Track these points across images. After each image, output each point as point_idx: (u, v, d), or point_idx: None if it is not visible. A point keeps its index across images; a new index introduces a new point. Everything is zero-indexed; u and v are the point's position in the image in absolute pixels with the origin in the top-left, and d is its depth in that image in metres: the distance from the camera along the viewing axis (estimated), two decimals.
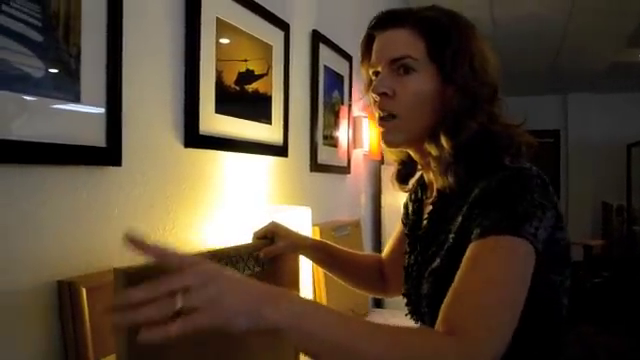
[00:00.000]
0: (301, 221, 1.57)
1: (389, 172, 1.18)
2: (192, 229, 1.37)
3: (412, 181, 1.13)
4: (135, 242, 0.63)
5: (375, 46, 0.98)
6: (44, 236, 0.96)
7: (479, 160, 0.90)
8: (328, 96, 2.28)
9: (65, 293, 0.96)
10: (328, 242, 1.30)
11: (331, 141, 2.36)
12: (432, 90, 0.93)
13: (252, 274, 1.07)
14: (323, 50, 2.18)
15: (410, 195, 1.16)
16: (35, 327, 0.94)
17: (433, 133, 0.93)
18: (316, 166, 2.17)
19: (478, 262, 0.80)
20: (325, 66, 2.22)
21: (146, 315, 0.59)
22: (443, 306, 0.78)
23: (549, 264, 0.87)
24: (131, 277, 0.75)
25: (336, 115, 2.40)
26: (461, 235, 0.87)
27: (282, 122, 1.82)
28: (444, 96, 0.92)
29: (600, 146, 7.63)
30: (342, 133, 2.47)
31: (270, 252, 1.13)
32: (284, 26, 1.80)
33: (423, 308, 0.96)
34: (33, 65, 0.89)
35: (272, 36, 1.73)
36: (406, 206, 1.20)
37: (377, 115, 0.98)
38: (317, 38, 2.13)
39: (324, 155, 2.25)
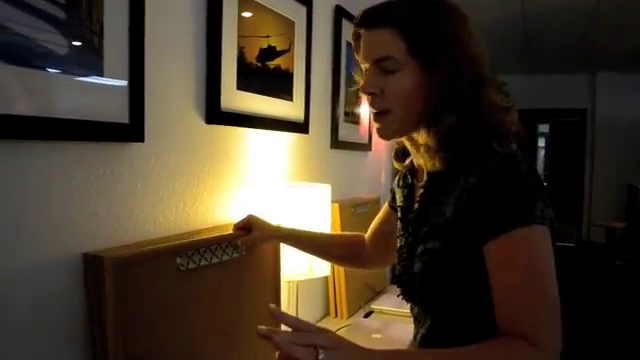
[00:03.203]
0: (321, 198, 1.58)
1: None
2: (213, 205, 1.39)
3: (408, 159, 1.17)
4: (276, 314, 0.82)
5: (361, 43, 1.01)
6: (71, 210, 0.98)
7: (467, 144, 0.94)
8: (350, 72, 2.26)
9: (90, 265, 0.99)
10: (298, 230, 1.41)
11: (352, 118, 2.36)
12: (416, 84, 0.95)
13: (230, 259, 1.28)
14: (346, 26, 2.16)
15: (398, 181, 1.21)
16: (62, 297, 0.97)
17: (420, 123, 0.98)
18: (337, 143, 2.17)
19: (516, 260, 0.85)
20: (347, 42, 2.20)
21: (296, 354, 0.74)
22: (501, 313, 0.85)
23: None
24: (120, 264, 0.97)
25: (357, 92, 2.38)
26: (457, 221, 0.91)
27: (303, 98, 1.82)
28: (428, 87, 0.95)
29: (628, 127, 7.47)
30: (363, 110, 2.46)
31: (245, 241, 1.30)
32: (307, 1, 1.79)
33: (415, 286, 1.01)
34: (57, 42, 0.90)
35: (294, 12, 1.72)
36: (393, 191, 1.26)
37: (371, 111, 1.03)
38: (340, 14, 2.11)
39: (345, 132, 2.25)
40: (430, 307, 1.01)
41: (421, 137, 0.99)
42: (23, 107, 0.85)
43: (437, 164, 0.96)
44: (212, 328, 1.22)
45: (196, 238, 1.22)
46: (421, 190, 1.04)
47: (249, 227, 1.33)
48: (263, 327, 0.76)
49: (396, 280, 1.08)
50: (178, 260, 1.12)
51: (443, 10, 0.96)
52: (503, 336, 0.84)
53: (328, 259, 1.48)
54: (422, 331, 1.03)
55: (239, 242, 1.29)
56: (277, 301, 1.50)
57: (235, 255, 1.30)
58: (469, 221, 0.89)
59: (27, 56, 0.85)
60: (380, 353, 0.82)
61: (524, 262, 0.85)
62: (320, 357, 0.75)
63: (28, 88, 0.86)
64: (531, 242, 0.85)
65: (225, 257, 1.26)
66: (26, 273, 0.90)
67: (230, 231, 1.34)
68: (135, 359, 1.00)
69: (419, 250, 0.99)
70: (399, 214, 1.14)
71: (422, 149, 0.99)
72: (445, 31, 0.93)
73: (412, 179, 1.13)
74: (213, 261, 1.22)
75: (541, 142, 9.28)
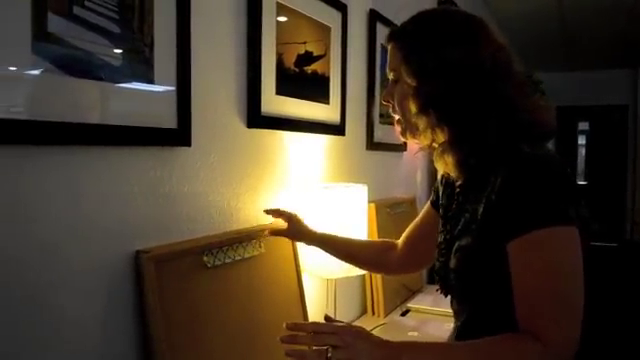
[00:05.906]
0: (358, 198, 1.62)
1: None
2: (254, 205, 1.45)
3: None
4: (290, 328, 0.89)
5: None
6: (125, 211, 1.05)
7: (486, 146, 0.96)
8: (384, 75, 2.30)
9: (141, 261, 1.05)
10: (331, 235, 1.45)
11: (387, 119, 2.38)
12: (411, 91, 1.02)
13: (252, 256, 1.36)
14: (380, 29, 2.20)
15: (441, 180, 1.24)
16: (115, 291, 1.04)
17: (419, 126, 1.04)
18: (372, 144, 2.21)
19: (532, 261, 0.87)
20: (382, 45, 2.23)
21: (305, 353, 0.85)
22: (518, 311, 0.88)
23: None
24: (155, 260, 1.06)
25: None
26: (486, 220, 0.94)
27: (339, 102, 1.86)
28: (419, 92, 1.01)
29: None
30: None
31: (274, 233, 1.40)
32: (341, 7, 1.84)
33: (451, 281, 1.05)
34: (112, 55, 0.97)
35: (330, 17, 1.77)
36: (437, 189, 1.29)
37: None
38: (374, 17, 2.15)
39: (380, 133, 2.28)
40: (465, 301, 1.06)
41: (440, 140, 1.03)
42: (84, 116, 0.93)
43: (456, 173, 1.02)
44: (239, 324, 1.27)
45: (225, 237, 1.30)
46: (457, 189, 1.09)
47: (287, 220, 1.40)
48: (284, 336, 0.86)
49: (436, 274, 1.13)
50: (205, 258, 1.20)
51: (441, 19, 1.03)
52: (518, 331, 0.87)
53: (357, 265, 1.49)
54: (458, 323, 1.07)
55: (266, 232, 1.39)
56: (301, 295, 1.56)
57: (256, 253, 1.38)
58: (495, 220, 0.92)
59: (87, 68, 0.92)
60: (397, 345, 0.87)
61: (540, 264, 0.86)
62: (328, 355, 0.80)
63: (88, 98, 0.93)
64: (550, 244, 0.86)
65: (247, 254, 1.34)
66: (83, 270, 0.97)
67: (256, 225, 1.43)
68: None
69: (455, 247, 1.03)
70: (441, 211, 1.18)
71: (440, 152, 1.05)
72: (436, 36, 0.99)
73: (453, 179, 1.16)
74: (236, 258, 1.30)
75: (581, 140, 9.09)
